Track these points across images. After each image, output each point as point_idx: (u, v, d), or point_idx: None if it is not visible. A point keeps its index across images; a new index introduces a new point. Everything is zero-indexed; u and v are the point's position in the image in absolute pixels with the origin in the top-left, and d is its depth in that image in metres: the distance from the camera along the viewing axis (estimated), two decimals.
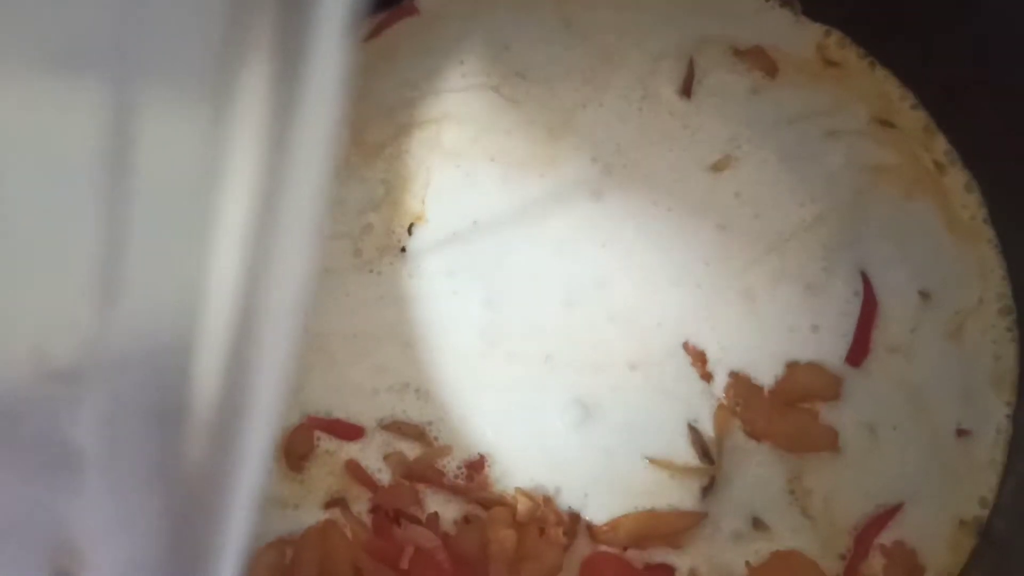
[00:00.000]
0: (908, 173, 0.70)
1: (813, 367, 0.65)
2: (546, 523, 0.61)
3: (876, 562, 0.63)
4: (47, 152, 0.23)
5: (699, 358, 0.65)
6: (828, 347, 0.66)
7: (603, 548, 0.62)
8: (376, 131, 0.73)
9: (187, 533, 0.26)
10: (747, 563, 0.62)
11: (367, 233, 0.70)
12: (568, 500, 0.63)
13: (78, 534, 0.26)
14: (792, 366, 0.65)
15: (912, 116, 0.72)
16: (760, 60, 0.72)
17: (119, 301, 0.24)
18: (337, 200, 0.71)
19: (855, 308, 0.66)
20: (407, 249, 0.69)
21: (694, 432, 0.64)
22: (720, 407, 0.64)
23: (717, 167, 0.70)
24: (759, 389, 0.64)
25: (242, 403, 0.25)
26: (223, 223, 0.23)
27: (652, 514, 0.62)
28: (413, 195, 0.71)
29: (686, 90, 0.71)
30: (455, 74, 0.74)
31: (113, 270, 0.24)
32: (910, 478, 0.64)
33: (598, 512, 0.63)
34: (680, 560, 0.63)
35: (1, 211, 0.24)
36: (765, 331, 0.66)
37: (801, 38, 0.73)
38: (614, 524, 0.62)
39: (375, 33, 0.75)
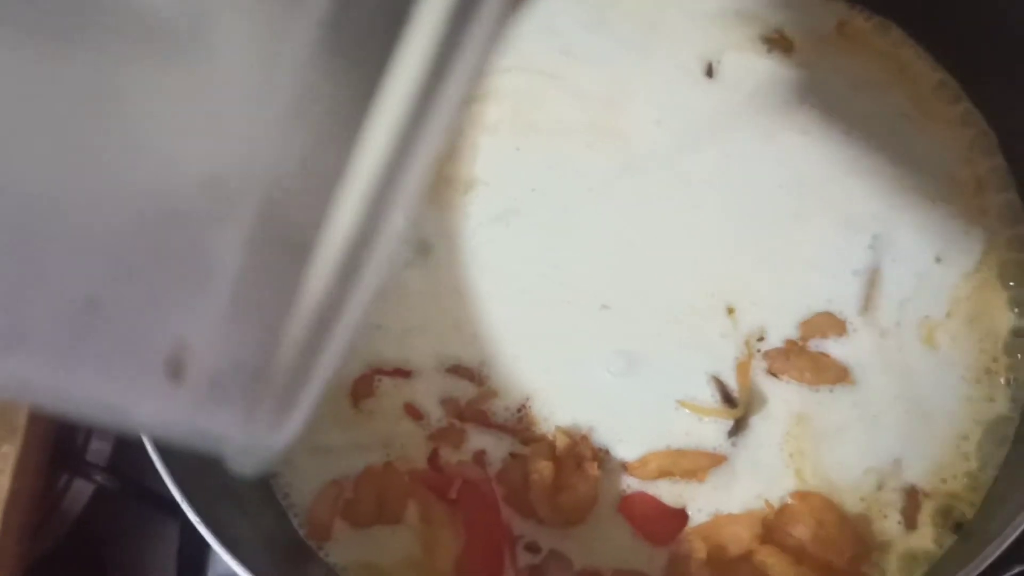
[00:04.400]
0: (930, 135, 0.74)
1: (828, 315, 0.70)
2: (582, 458, 0.67)
3: (896, 499, 0.67)
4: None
5: (734, 311, 0.71)
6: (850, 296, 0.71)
7: (633, 481, 0.68)
8: None
9: (287, 354, 0.31)
10: (767, 502, 0.67)
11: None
12: (602, 438, 0.69)
13: (193, 333, 0.31)
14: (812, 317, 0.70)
15: (934, 79, 0.76)
16: (779, 42, 0.77)
17: (277, 132, 0.29)
18: None
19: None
20: (466, 210, 0.75)
21: (717, 380, 0.69)
22: (742, 361, 0.69)
23: (765, 133, 0.74)
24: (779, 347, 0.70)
25: (365, 250, 0.29)
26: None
27: (678, 452, 0.67)
28: (461, 166, 0.77)
29: (708, 72, 0.76)
30: (500, 56, 0.80)
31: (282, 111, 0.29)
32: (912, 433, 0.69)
33: (630, 450, 0.69)
34: (705, 499, 0.67)
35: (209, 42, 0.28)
36: (801, 287, 0.71)
37: (824, 15, 0.78)
38: (644, 460, 0.67)
39: None
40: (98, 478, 0.83)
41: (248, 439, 0.33)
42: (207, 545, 0.82)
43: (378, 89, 0.28)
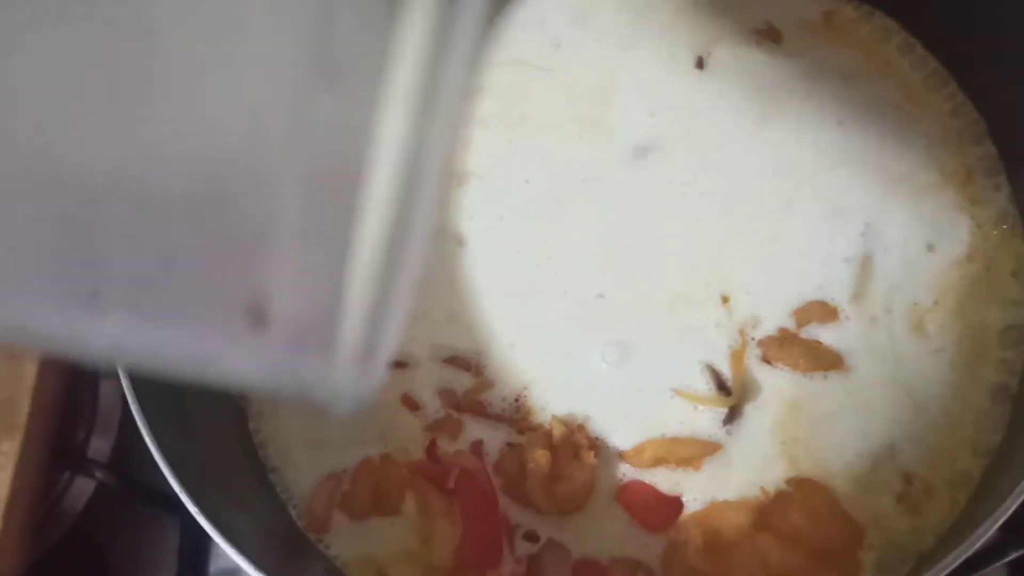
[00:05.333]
0: (920, 124, 0.74)
1: (820, 303, 0.70)
2: (579, 447, 0.67)
3: (889, 483, 0.67)
4: None
5: (728, 300, 0.71)
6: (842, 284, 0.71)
7: (629, 469, 0.68)
8: None
9: (361, 295, 0.31)
10: (762, 488, 0.67)
11: None
12: (598, 427, 0.70)
13: (269, 280, 0.31)
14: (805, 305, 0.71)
15: (924, 68, 0.76)
16: (768, 33, 0.78)
17: (323, 96, 0.30)
18: None
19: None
20: (460, 203, 0.76)
21: (711, 369, 0.70)
22: (736, 349, 0.70)
23: (756, 124, 0.75)
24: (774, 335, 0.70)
25: (415, 184, 0.30)
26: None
27: (674, 440, 0.68)
28: (454, 160, 0.77)
29: (699, 64, 0.77)
30: (492, 51, 0.80)
31: (321, 70, 0.30)
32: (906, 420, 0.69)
33: (626, 438, 0.69)
34: (701, 487, 0.68)
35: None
36: (793, 275, 0.72)
37: (811, 5, 0.78)
38: (640, 448, 0.68)
39: None
40: (99, 475, 0.84)
41: (337, 383, 0.33)
42: (208, 541, 0.84)
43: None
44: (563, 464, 0.67)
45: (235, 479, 0.67)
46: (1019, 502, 0.56)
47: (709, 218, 0.73)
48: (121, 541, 0.89)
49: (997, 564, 0.68)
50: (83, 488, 0.87)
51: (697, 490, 0.68)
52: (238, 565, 0.81)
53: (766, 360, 0.69)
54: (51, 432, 0.80)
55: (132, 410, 0.59)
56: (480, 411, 0.70)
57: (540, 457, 0.66)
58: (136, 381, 0.59)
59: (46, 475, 0.80)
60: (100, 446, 0.89)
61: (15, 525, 0.74)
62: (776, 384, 0.69)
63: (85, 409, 0.91)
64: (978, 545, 0.57)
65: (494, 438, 0.70)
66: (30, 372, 0.76)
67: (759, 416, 0.69)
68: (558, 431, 0.68)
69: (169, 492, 0.84)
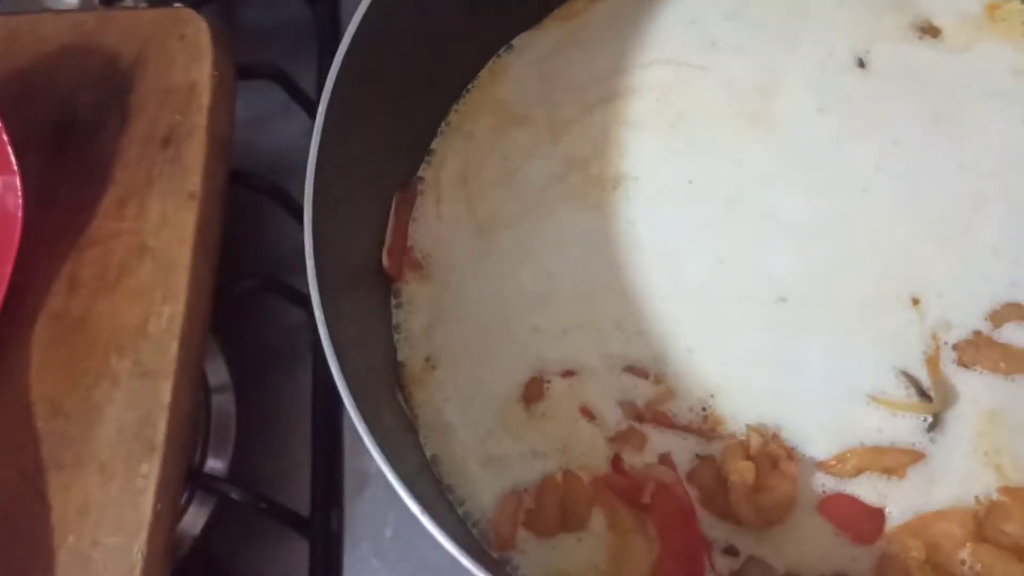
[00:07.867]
0: None
1: (1016, 305, 0.68)
2: (778, 457, 0.65)
3: None
4: None
5: (919, 302, 0.69)
6: None
7: (827, 479, 0.65)
8: (566, 110, 0.78)
9: None
10: (976, 498, 0.65)
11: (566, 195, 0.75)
12: (791, 435, 0.67)
13: None
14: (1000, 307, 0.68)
15: None
16: (929, 29, 0.76)
17: None
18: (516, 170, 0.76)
19: None
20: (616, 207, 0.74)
21: (907, 375, 0.67)
22: (932, 354, 0.67)
23: (932, 119, 0.73)
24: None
25: None
26: None
27: (876, 448, 0.65)
28: (607, 164, 0.75)
29: (860, 64, 0.75)
30: (642, 51, 0.78)
31: None
32: None
33: (821, 447, 0.66)
34: (904, 497, 0.65)
35: None
36: (984, 275, 0.69)
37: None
38: (842, 457, 0.65)
39: (569, 17, 0.79)
40: (224, 490, 0.82)
41: None
42: (341, 559, 0.81)
43: None
44: (763, 475, 0.64)
45: (423, 498, 0.64)
46: None
47: (895, 216, 0.71)
48: (245, 558, 0.86)
49: None
50: (203, 505, 0.85)
51: (902, 501, 0.65)
52: None
53: (962, 364, 0.67)
54: (186, 450, 0.76)
55: (359, 430, 0.56)
56: (665, 422, 0.67)
57: (744, 469, 0.63)
58: (358, 398, 0.57)
59: (182, 494, 0.77)
60: (216, 461, 0.87)
61: (157, 547, 0.71)
62: (974, 389, 0.66)
63: (199, 425, 0.88)
64: None
65: (681, 449, 0.67)
66: (165, 389, 0.74)
67: (959, 422, 0.66)
68: (755, 441, 0.65)
69: (292, 507, 0.82)
